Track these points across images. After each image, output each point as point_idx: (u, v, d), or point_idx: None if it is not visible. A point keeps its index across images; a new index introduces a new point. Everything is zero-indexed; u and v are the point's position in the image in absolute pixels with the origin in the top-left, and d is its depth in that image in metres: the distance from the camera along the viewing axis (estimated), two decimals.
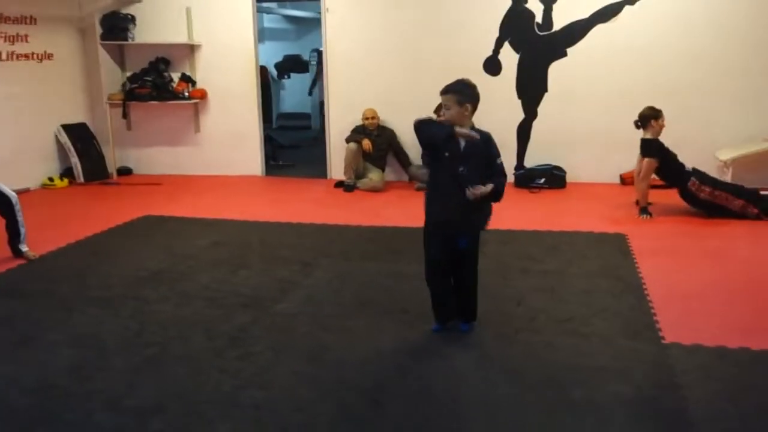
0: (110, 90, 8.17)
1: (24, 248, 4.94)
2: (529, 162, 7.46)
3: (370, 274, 4.53)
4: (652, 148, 5.85)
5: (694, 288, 4.22)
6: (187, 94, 8.05)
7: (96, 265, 4.79)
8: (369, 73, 7.65)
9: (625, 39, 7.01)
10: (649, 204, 5.97)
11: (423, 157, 7.31)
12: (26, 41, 7.36)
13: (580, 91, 7.24)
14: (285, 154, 9.47)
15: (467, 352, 3.36)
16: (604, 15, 7.02)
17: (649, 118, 5.87)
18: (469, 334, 3.55)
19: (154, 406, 2.87)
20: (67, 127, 7.91)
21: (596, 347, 3.39)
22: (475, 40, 7.34)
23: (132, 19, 8.01)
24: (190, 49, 8.08)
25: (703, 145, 6.82)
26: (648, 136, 5.91)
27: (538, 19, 7.19)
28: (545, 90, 7.33)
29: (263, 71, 9.43)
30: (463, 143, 3.36)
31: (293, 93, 13.02)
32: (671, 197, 6.12)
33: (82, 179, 7.83)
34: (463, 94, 3.32)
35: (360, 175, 7.43)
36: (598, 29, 7.07)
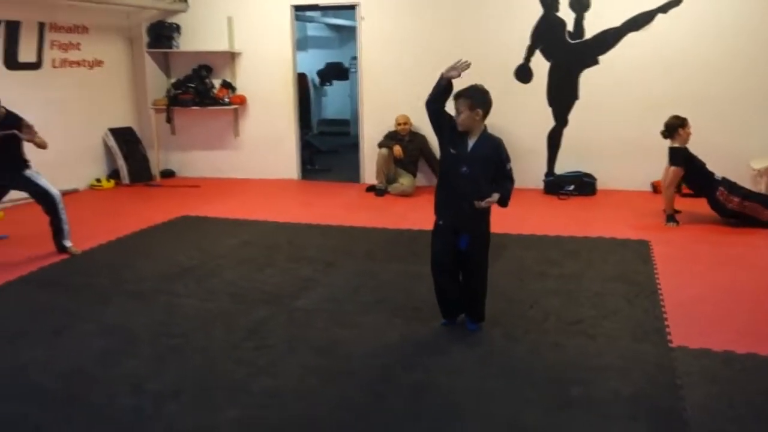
0: (155, 96, 8.54)
1: (68, 244, 5.24)
2: (559, 169, 7.50)
3: (389, 274, 4.68)
4: (678, 156, 5.84)
5: (710, 294, 4.23)
6: (227, 100, 8.36)
7: (132, 261, 5.06)
8: (402, 80, 7.81)
9: (657, 47, 7.00)
10: (677, 212, 5.95)
11: None
12: (78, 49, 7.77)
13: (612, 99, 7.24)
14: (322, 159, 9.70)
15: (473, 349, 3.47)
16: (636, 23, 7.03)
17: (676, 126, 5.87)
18: (478, 333, 3.65)
19: (171, 391, 3.07)
20: (114, 131, 8.31)
21: (602, 348, 3.46)
22: (507, 48, 7.42)
23: (177, 28, 8.37)
24: (231, 56, 8.38)
25: (737, 154, 6.75)
26: (675, 144, 5.90)
27: (570, 27, 7.24)
28: (576, 98, 7.37)
29: (303, 78, 9.68)
30: (471, 143, 3.48)
31: (334, 99, 13.28)
32: (701, 206, 6.08)
33: (127, 181, 8.20)
34: (474, 99, 3.44)
35: (391, 179, 7.58)
36: (630, 37, 7.08)
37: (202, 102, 8.36)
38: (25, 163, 5.22)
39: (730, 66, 6.86)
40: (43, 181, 5.21)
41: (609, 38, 7.14)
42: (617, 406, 2.89)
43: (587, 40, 7.22)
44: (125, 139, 8.38)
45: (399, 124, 7.59)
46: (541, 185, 7.43)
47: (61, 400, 3.02)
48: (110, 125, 8.31)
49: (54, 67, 7.48)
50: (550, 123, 7.50)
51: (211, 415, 2.86)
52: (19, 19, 6.97)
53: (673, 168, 5.83)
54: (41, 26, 7.26)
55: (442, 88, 3.44)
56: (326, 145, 10.65)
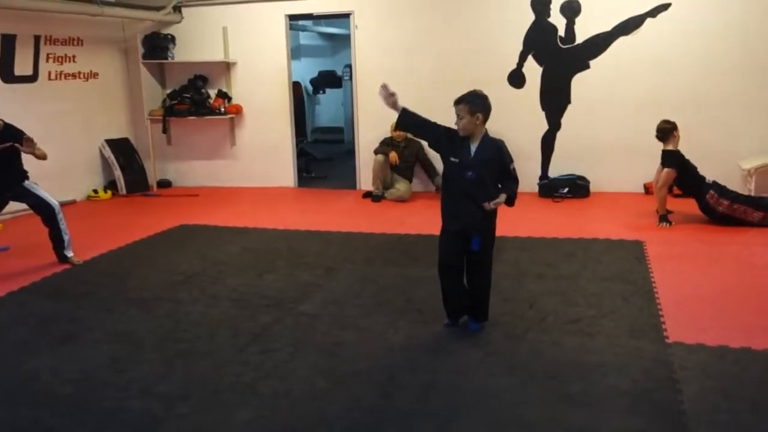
0: (151, 106, 8.60)
1: (69, 254, 5.29)
2: (553, 172, 7.60)
3: (389, 278, 4.75)
4: (673, 159, 5.95)
5: (704, 292, 4.32)
6: (223, 109, 8.43)
7: (135, 270, 5.11)
8: (397, 87, 7.70)
9: (647, 51, 7.12)
10: (669, 212, 6.05)
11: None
12: (74, 61, 7.83)
13: (603, 103, 7.36)
14: (318, 167, 9.78)
15: (475, 349, 3.55)
16: (626, 28, 7.15)
17: (670, 130, 6.00)
18: (479, 333, 3.73)
19: (181, 394, 3.13)
20: (110, 142, 8.36)
21: (600, 345, 3.54)
22: (499, 54, 7.54)
23: (172, 39, 8.44)
24: (227, 66, 8.46)
25: (727, 155, 6.88)
26: (669, 147, 6.01)
27: (561, 32, 7.36)
28: (568, 102, 7.48)
29: (297, 87, 9.77)
30: (473, 148, 3.57)
31: (328, 108, 13.37)
32: (693, 206, 6.18)
33: (124, 191, 8.24)
34: (474, 104, 3.55)
35: (388, 185, 7.66)
36: (621, 42, 7.20)
37: (197, 112, 8.42)
38: (24, 175, 5.27)
39: (718, 68, 6.99)
40: (42, 192, 5.26)
41: (600, 43, 7.26)
42: (617, 400, 2.97)
43: (578, 45, 7.34)
44: (122, 150, 8.43)
45: (394, 131, 7.67)
46: (535, 189, 7.53)
47: (72, 405, 3.08)
48: (107, 136, 8.36)
49: (50, 79, 7.54)
50: (544, 127, 7.60)
51: (222, 416, 2.93)
52: (15, 33, 7.02)
53: (666, 169, 5.95)
54: (37, 39, 7.32)
55: (401, 116, 3.74)
56: (321, 153, 10.73)
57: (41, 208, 5.24)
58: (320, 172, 9.49)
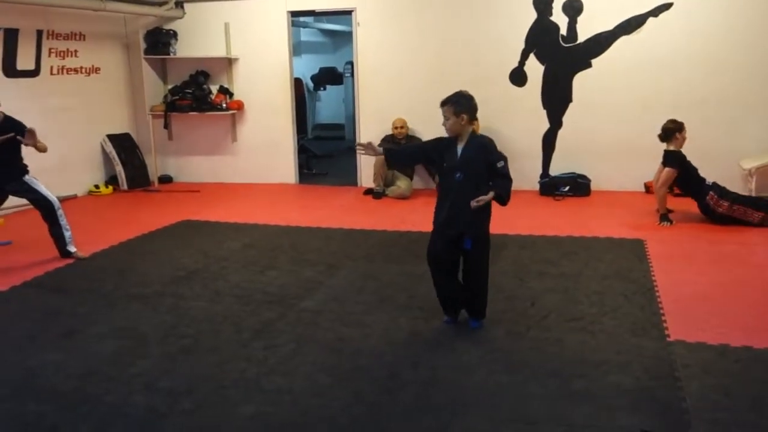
0: (153, 102, 8.60)
1: (72, 249, 5.29)
2: (554, 170, 7.61)
3: (391, 275, 4.76)
4: (674, 159, 5.96)
5: (705, 290, 4.35)
6: (225, 105, 8.43)
7: (137, 265, 5.12)
8: (398, 84, 7.91)
9: (648, 50, 7.13)
10: (670, 211, 6.07)
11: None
12: (76, 56, 7.83)
13: (605, 101, 7.37)
14: (319, 164, 9.79)
15: (477, 346, 3.56)
16: (628, 27, 7.17)
17: (673, 131, 6.00)
18: (481, 331, 3.75)
19: (185, 389, 3.14)
20: (112, 137, 8.36)
21: (602, 343, 3.56)
22: (501, 52, 7.54)
23: (174, 35, 8.44)
24: (228, 62, 8.46)
25: (727, 155, 6.90)
26: (671, 148, 6.03)
27: (563, 31, 7.37)
28: (570, 100, 7.49)
29: (298, 83, 9.77)
30: (460, 149, 3.61)
31: (329, 104, 13.38)
32: (693, 205, 6.19)
33: (125, 186, 8.25)
34: (459, 104, 3.60)
35: (389, 182, 7.68)
36: (622, 41, 7.21)
37: (199, 107, 8.43)
38: (24, 169, 5.25)
39: (720, 68, 7.00)
40: (42, 188, 5.24)
41: (602, 41, 7.27)
42: (619, 397, 2.99)
43: (580, 44, 7.35)
44: (123, 145, 8.43)
45: (396, 128, 7.69)
46: (536, 187, 7.54)
47: (77, 399, 3.09)
48: (108, 131, 8.36)
49: (52, 74, 7.54)
50: (545, 125, 7.61)
51: (226, 412, 2.94)
52: (18, 27, 7.02)
53: (667, 169, 5.96)
54: (39, 34, 7.31)
55: (388, 158, 4.10)
56: (321, 150, 10.73)
57: (40, 203, 5.23)
58: (321, 168, 9.49)
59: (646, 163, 6.93)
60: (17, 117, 5.19)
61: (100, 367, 3.40)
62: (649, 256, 5.06)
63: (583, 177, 7.41)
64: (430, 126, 7.66)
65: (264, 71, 8.36)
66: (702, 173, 6.03)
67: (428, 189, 7.89)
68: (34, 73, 7.32)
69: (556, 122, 7.58)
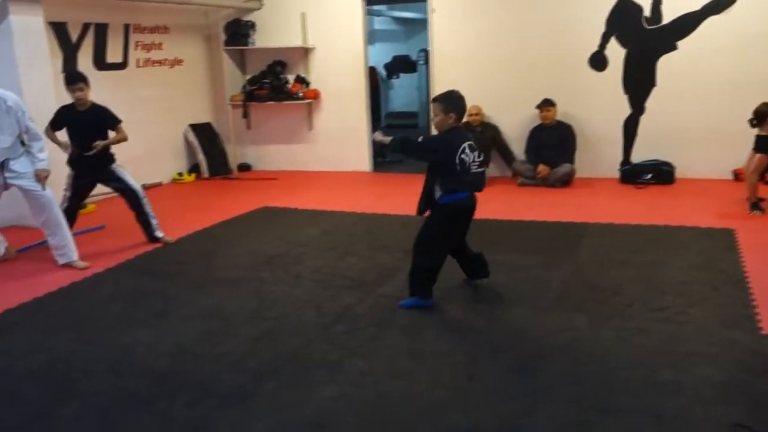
0: (232, 92, 8.83)
1: (160, 234, 5.50)
2: (636, 157, 7.38)
3: None
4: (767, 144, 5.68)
5: None
6: (301, 94, 8.57)
7: (220, 250, 5.29)
8: (474, 71, 7.84)
9: (738, 30, 6.80)
10: (761, 200, 5.80)
11: (527, 153, 7.44)
12: (160, 49, 8.12)
13: (691, 85, 7.09)
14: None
15: (559, 334, 3.51)
16: (717, 6, 6.85)
17: (766, 114, 5.71)
18: (564, 320, 3.69)
19: (270, 369, 3.23)
20: (194, 127, 8.64)
21: (690, 334, 3.45)
22: (580, 36, 7.35)
23: (252, 26, 8.63)
24: (305, 52, 8.59)
25: None
26: (765, 132, 5.74)
27: (647, 12, 7.11)
28: (653, 84, 7.24)
29: (372, 72, 9.81)
30: None
31: (402, 92, 13.39)
32: None
33: (207, 174, 8.52)
34: (448, 102, 3.80)
35: None
36: (711, 21, 6.90)
37: (276, 97, 8.60)
38: (111, 158, 5.46)
39: None
40: (128, 177, 5.44)
41: (688, 23, 6.98)
42: (710, 389, 2.89)
43: (665, 25, 7.07)
44: (204, 134, 8.71)
45: (471, 115, 7.61)
46: (616, 174, 7.33)
47: (169, 376, 3.23)
48: (190, 121, 8.64)
49: (138, 66, 7.84)
50: (626, 111, 7.38)
51: (310, 392, 3.01)
52: (107, 22, 7.34)
53: (759, 155, 5.69)
54: (126, 28, 7.62)
55: (390, 148, 4.15)
56: None
57: (126, 192, 5.44)
58: (395, 156, 9.51)
59: (735, 150, 6.63)
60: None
61: (189, 346, 3.54)
62: (740, 246, 4.85)
63: (667, 164, 7.16)
64: (507, 113, 7.64)
65: (339, 60, 8.44)
66: None
67: (504, 177, 7.79)
68: (121, 65, 7.64)
69: (638, 107, 7.34)
